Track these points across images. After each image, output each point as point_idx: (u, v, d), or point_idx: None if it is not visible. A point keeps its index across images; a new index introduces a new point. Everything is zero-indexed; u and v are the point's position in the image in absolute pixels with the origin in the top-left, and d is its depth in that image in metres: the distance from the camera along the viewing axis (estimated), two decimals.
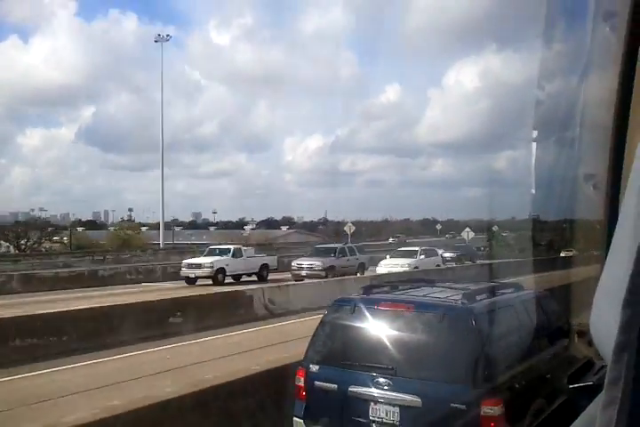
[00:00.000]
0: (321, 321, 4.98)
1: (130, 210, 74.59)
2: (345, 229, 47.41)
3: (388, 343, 4.49)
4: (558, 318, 5.72)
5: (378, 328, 4.66)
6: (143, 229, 57.14)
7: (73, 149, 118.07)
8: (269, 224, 75.36)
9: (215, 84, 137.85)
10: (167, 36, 36.92)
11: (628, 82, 1.58)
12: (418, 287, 5.50)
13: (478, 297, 4.77)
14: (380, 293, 5.20)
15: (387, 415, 4.37)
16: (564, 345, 5.73)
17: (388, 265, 24.09)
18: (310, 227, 72.63)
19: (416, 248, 27.70)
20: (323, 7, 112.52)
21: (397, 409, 4.32)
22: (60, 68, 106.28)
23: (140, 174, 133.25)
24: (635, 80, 1.54)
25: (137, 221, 65.18)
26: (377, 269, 24.43)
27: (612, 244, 0.70)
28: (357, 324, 4.68)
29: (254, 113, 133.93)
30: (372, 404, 4.41)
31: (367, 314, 4.65)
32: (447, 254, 35.31)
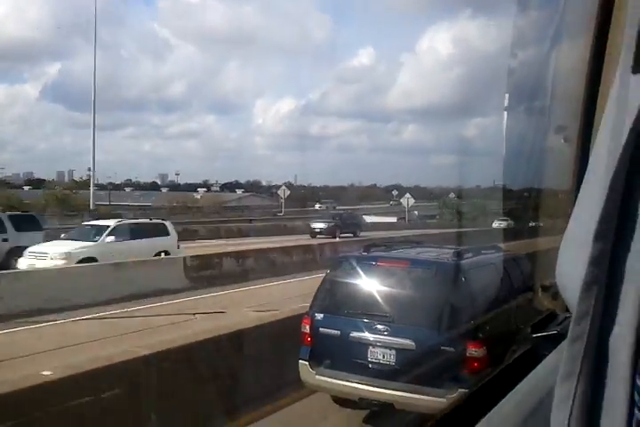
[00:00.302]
0: (325, 276, 5.53)
1: (89, 169, 72.08)
2: (279, 192, 41.86)
3: (386, 295, 5.07)
4: (529, 275, 6.45)
5: (377, 282, 5.23)
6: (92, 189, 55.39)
7: (37, 106, 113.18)
8: (232, 187, 75.06)
9: (185, 43, 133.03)
10: None
11: (601, 47, 1.62)
12: (412, 247, 6.13)
13: (465, 255, 5.40)
14: (378, 251, 5.78)
15: (383, 357, 4.98)
16: (530, 298, 6.47)
17: (33, 255, 14.12)
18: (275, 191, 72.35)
19: (109, 223, 16.03)
20: None
21: (393, 352, 4.93)
22: (24, 23, 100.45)
23: (105, 134, 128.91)
24: (607, 45, 1.58)
25: (98, 181, 63.24)
26: (19, 261, 14.16)
27: (581, 192, 0.68)
28: (359, 278, 5.24)
29: (224, 74, 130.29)
30: (370, 347, 5.00)
31: (368, 269, 5.22)
32: (317, 225, 27.55)
